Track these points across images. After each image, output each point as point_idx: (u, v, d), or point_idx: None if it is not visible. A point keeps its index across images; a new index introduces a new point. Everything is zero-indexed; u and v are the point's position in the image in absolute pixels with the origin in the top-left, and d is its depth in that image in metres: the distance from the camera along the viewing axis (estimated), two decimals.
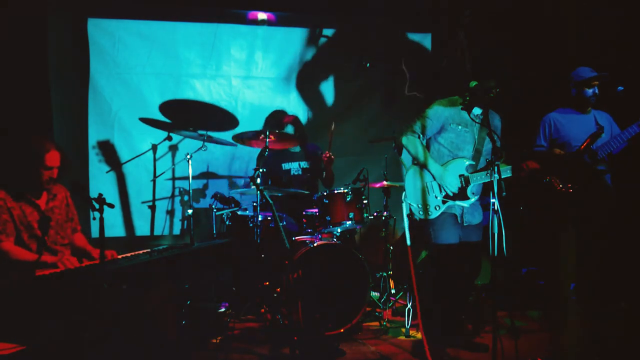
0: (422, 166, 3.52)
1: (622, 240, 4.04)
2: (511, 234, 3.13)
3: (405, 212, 3.52)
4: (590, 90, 3.94)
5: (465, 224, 3.53)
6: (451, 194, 3.47)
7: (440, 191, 3.49)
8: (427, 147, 3.60)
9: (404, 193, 3.57)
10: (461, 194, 3.47)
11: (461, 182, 3.47)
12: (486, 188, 3.20)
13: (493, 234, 2.97)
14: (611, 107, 4.06)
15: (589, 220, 3.85)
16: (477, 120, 3.48)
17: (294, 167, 4.86)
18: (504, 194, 3.06)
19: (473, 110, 3.50)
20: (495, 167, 3.04)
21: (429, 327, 3.52)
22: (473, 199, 3.48)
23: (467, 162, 3.49)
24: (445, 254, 3.49)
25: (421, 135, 3.54)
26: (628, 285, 3.99)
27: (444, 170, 3.47)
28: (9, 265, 3.13)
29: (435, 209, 3.49)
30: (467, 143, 3.52)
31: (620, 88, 3.82)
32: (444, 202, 3.48)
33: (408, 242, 3.53)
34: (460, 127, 3.50)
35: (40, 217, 3.25)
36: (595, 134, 3.83)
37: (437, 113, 3.53)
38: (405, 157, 3.68)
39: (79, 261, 3.20)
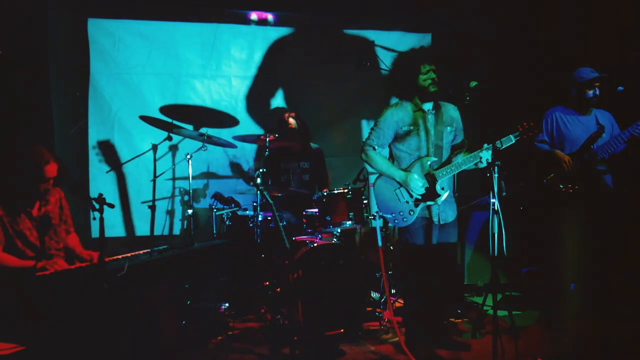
0: (387, 176, 3.52)
1: (623, 240, 4.03)
2: (511, 234, 3.12)
3: (377, 225, 3.49)
4: (592, 92, 3.93)
5: (441, 223, 3.52)
6: (419, 196, 3.45)
7: (410, 196, 3.47)
8: (390, 156, 3.62)
9: (375, 208, 3.55)
10: (430, 193, 3.45)
11: (427, 180, 3.45)
12: (486, 188, 3.19)
13: (493, 234, 2.97)
14: (612, 107, 4.06)
15: (589, 221, 3.85)
16: (430, 115, 3.50)
17: (294, 166, 4.85)
18: (504, 194, 3.06)
19: (423, 106, 3.52)
20: (496, 168, 3.04)
21: (414, 329, 3.52)
22: (444, 194, 3.45)
23: (430, 160, 3.48)
24: (422, 256, 3.48)
25: (377, 147, 3.56)
26: (628, 285, 3.99)
27: (407, 174, 3.46)
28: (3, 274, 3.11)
29: (410, 213, 3.47)
30: (424, 141, 3.50)
31: (620, 88, 3.81)
32: (416, 205, 3.47)
33: (379, 243, 3.51)
34: (412, 127, 3.50)
35: (40, 217, 3.25)
36: (595, 134, 3.82)
37: (387, 120, 3.54)
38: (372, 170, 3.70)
39: (69, 264, 3.19)
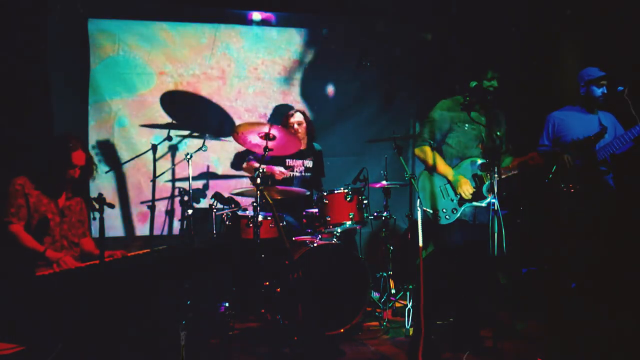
0: (439, 173, 3.45)
1: (623, 240, 4.03)
2: (511, 234, 3.12)
3: (420, 217, 3.43)
4: (599, 90, 3.94)
5: (477, 222, 3.43)
6: (467, 197, 3.38)
7: (456, 194, 3.41)
8: (438, 150, 3.54)
9: (418, 200, 3.42)
10: (477, 195, 3.38)
11: (475, 182, 3.40)
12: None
13: (493, 234, 2.98)
14: (614, 107, 4.05)
15: (590, 220, 3.85)
16: (478, 121, 3.42)
17: (298, 164, 4.85)
18: (504, 193, 3.06)
19: (476, 107, 3.45)
20: (495, 168, 3.05)
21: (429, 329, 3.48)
22: (490, 198, 3.35)
23: (479, 161, 3.42)
24: (457, 256, 3.42)
25: (432, 142, 3.47)
26: (628, 285, 3.99)
27: (460, 176, 3.38)
28: (14, 251, 3.16)
29: (453, 212, 3.40)
30: (476, 140, 3.45)
31: (621, 88, 3.81)
32: (460, 205, 3.40)
33: (420, 243, 3.44)
34: (467, 125, 3.43)
35: (39, 219, 3.27)
36: (597, 135, 3.82)
37: (443, 115, 3.48)
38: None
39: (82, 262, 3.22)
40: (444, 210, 3.41)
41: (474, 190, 3.38)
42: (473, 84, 3.36)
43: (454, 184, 3.39)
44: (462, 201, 3.40)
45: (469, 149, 3.45)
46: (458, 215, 3.40)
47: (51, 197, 3.33)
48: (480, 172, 3.40)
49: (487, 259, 3.47)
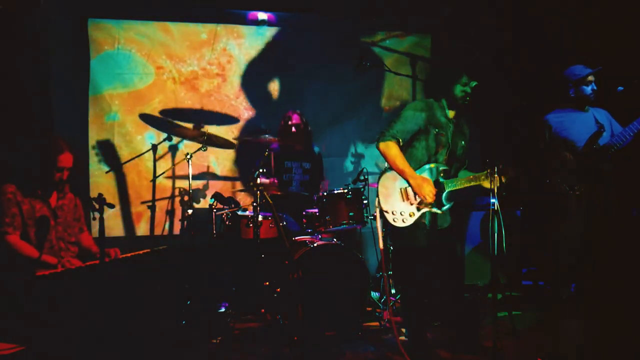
0: (399, 173, 3.36)
1: (623, 240, 4.03)
2: (511, 234, 3.12)
3: (379, 217, 3.34)
4: (589, 88, 3.90)
5: (438, 228, 3.39)
6: (425, 202, 3.32)
7: (415, 198, 3.34)
8: (403, 152, 3.44)
9: (377, 199, 3.39)
10: (436, 201, 3.32)
11: (436, 188, 3.32)
12: (485, 189, 3.19)
13: (493, 234, 2.98)
14: (610, 105, 4.05)
15: (590, 220, 3.84)
16: (451, 123, 3.41)
17: (296, 166, 4.85)
18: (504, 194, 3.06)
19: (448, 112, 3.42)
20: (495, 168, 3.05)
21: (417, 329, 3.47)
22: (447, 206, 3.34)
23: (441, 168, 3.36)
24: (417, 259, 3.37)
25: (401, 140, 3.38)
26: (629, 285, 3.99)
27: (423, 179, 3.30)
28: (11, 259, 3.15)
29: (410, 216, 3.33)
30: (442, 146, 3.39)
31: (621, 88, 3.79)
32: (418, 209, 3.34)
33: (381, 245, 3.45)
34: (437, 129, 3.37)
35: (38, 217, 3.26)
36: (596, 134, 3.81)
37: (415, 116, 3.39)
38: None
39: (83, 262, 3.22)
40: (402, 213, 3.34)
41: (435, 196, 3.31)
42: (473, 84, 3.35)
43: (415, 187, 3.31)
44: (421, 206, 3.33)
45: (434, 154, 3.38)
46: (414, 219, 3.33)
47: (43, 201, 3.32)
48: (441, 179, 3.34)
49: (454, 263, 3.45)
